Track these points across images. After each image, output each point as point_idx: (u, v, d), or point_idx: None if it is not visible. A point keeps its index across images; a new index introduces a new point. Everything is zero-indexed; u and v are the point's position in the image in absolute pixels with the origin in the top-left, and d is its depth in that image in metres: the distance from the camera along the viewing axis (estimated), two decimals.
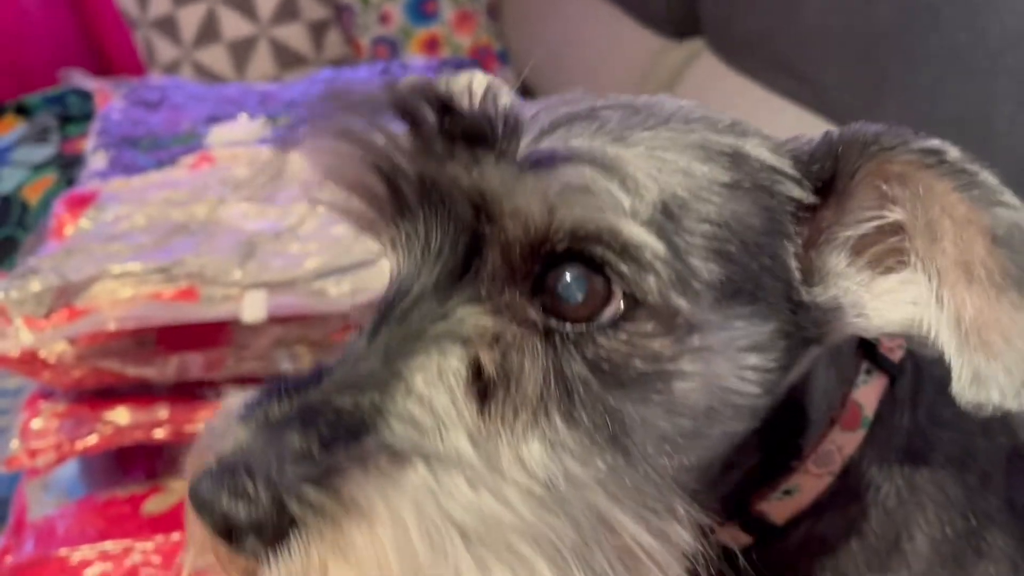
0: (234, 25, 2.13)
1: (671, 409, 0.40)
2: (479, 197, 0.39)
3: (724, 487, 0.49)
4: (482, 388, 0.40)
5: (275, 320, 0.97)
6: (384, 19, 2.22)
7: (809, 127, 1.33)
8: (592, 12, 1.88)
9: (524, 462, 0.38)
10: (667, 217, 0.39)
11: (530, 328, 0.40)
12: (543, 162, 0.39)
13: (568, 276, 0.39)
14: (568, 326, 0.40)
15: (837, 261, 0.44)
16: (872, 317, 0.44)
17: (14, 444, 1.01)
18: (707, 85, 1.54)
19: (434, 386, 0.39)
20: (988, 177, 0.40)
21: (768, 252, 0.42)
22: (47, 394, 1.06)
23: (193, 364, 1.02)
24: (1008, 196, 0.40)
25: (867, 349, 0.54)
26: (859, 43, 1.14)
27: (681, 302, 0.39)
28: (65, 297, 0.93)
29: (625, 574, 0.39)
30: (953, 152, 0.40)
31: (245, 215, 1.04)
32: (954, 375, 0.41)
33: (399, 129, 0.40)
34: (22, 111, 2.08)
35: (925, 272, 0.42)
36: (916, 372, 0.55)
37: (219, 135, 1.20)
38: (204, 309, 0.93)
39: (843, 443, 0.52)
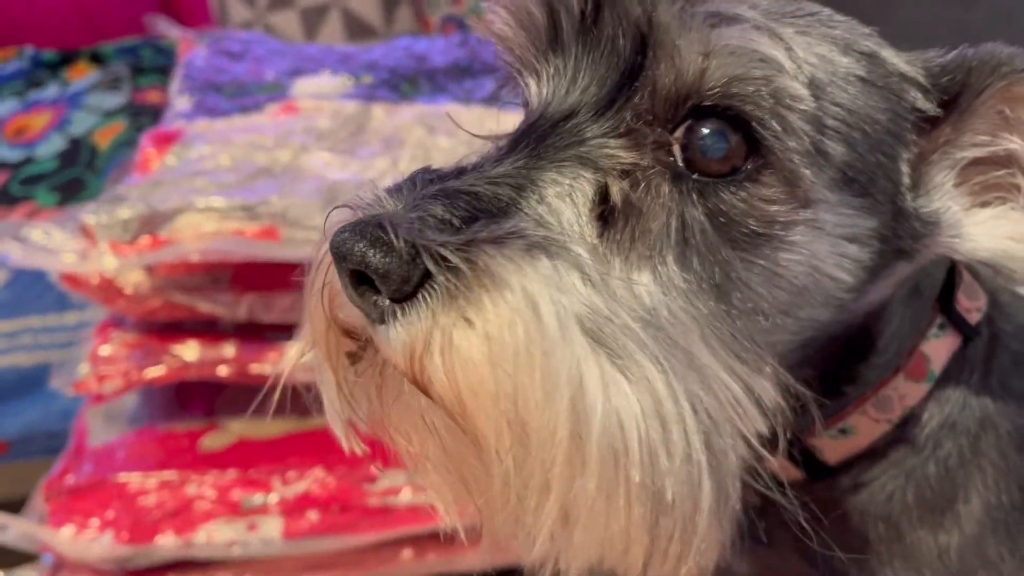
0: None
1: (773, 275, 0.42)
2: (647, 26, 0.41)
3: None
4: (606, 215, 0.42)
5: None
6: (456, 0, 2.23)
7: None
8: None
9: (633, 286, 0.40)
10: (814, 89, 0.41)
11: (662, 169, 0.42)
12: (712, 15, 0.41)
13: (712, 130, 0.41)
14: (696, 175, 0.42)
15: (945, 179, 0.46)
16: (966, 240, 0.46)
17: (83, 368, 1.03)
18: None
19: (563, 200, 0.41)
20: None
21: (886, 151, 0.44)
22: (118, 322, 1.07)
23: (263, 306, 1.04)
24: None
25: (944, 305, 0.53)
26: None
27: (807, 173, 0.41)
28: (150, 226, 0.95)
29: (716, 406, 0.40)
30: None
31: (327, 164, 1.06)
32: None
33: None
34: (96, 59, 2.11)
35: None
36: (993, 339, 0.56)
37: (304, 86, 1.21)
38: (285, 249, 0.94)
39: (905, 392, 0.52)
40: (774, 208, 0.42)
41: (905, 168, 0.45)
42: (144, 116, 1.84)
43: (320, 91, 1.19)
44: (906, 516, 0.54)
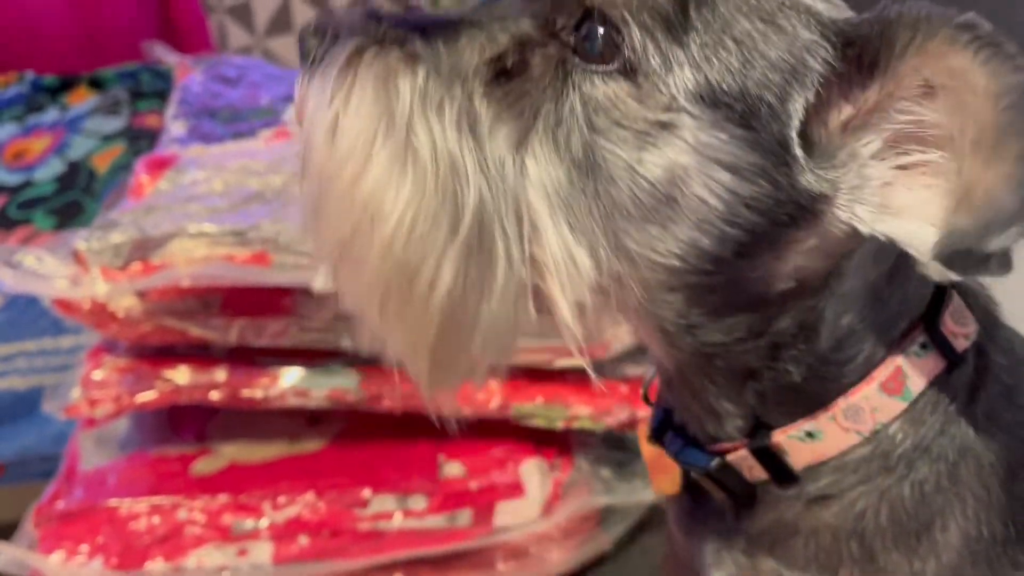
0: (307, 15, 2.17)
1: (632, 172, 0.45)
2: None
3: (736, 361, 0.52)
4: (500, 73, 0.47)
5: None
6: None
7: None
8: None
9: (498, 134, 0.46)
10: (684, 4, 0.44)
11: (553, 50, 0.48)
12: None
13: (593, 29, 0.46)
14: (578, 61, 0.46)
15: (865, 147, 0.44)
16: (872, 213, 0.44)
17: (75, 392, 1.04)
18: None
19: (470, 48, 0.48)
20: (1009, 47, 0.38)
21: (776, 90, 0.44)
22: (110, 347, 1.08)
23: (255, 330, 1.04)
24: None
25: (929, 325, 0.53)
26: None
27: (669, 77, 0.44)
28: (142, 251, 0.95)
29: (514, 232, 0.46)
30: (984, 25, 0.39)
31: None
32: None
33: None
34: (95, 84, 2.13)
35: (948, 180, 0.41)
36: (983, 370, 0.55)
37: None
38: (275, 274, 0.95)
39: (878, 405, 0.52)
40: (635, 105, 0.45)
41: (798, 113, 0.44)
42: (142, 140, 1.85)
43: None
44: (879, 537, 0.53)
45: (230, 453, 1.11)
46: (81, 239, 0.95)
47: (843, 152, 0.45)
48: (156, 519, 1.01)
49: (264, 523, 1.03)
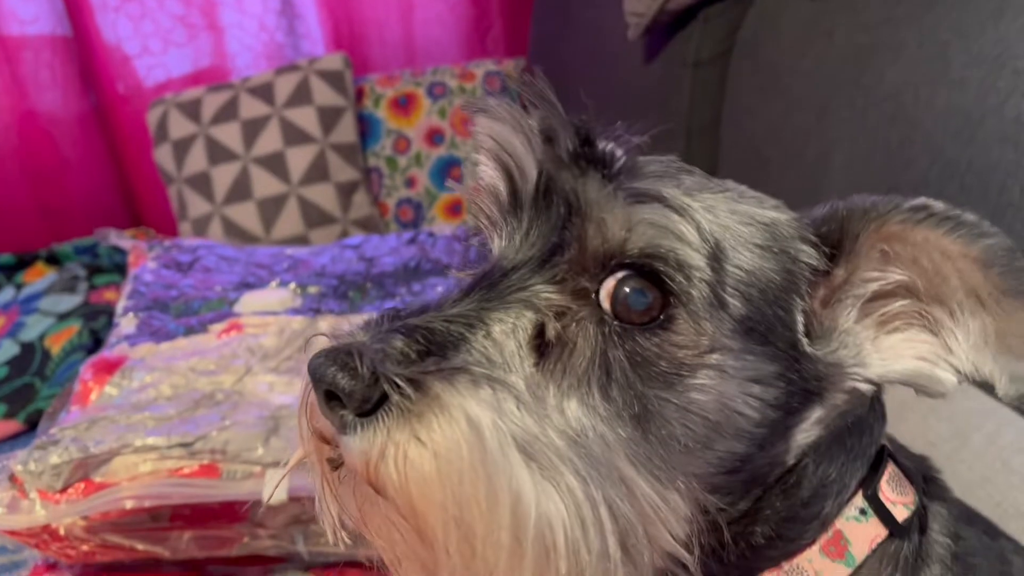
0: (265, 184, 2.20)
1: (684, 410, 0.48)
2: (575, 198, 0.50)
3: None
4: (543, 348, 0.49)
5: (296, 499, 0.95)
6: (411, 183, 2.29)
7: None
8: None
9: (563, 411, 0.47)
10: (714, 256, 0.49)
11: (587, 314, 0.49)
12: (633, 194, 0.49)
13: (629, 286, 0.48)
14: (617, 321, 0.49)
15: (848, 317, 0.52)
16: (872, 367, 0.51)
17: None
18: None
19: (506, 336, 0.49)
20: (969, 216, 0.47)
21: (782, 305, 0.50)
22: (51, 565, 1.02)
23: (207, 541, 0.99)
24: (987, 226, 0.47)
25: (867, 490, 0.55)
26: None
27: (708, 324, 0.48)
28: (83, 470, 0.91)
29: (632, 513, 0.47)
30: (937, 205, 0.47)
31: (271, 387, 1.04)
32: (995, 383, 0.48)
33: (546, 139, 0.51)
34: (53, 260, 2.12)
35: (933, 326, 0.50)
36: (926, 545, 0.56)
37: (249, 303, 1.21)
38: (225, 487, 0.91)
39: (821, 568, 0.54)
40: (682, 352, 0.48)
41: (800, 317, 0.51)
42: (99, 317, 1.83)
43: (266, 306, 1.19)
44: None
45: None
46: (18, 462, 0.91)
47: (834, 326, 0.51)
48: None
49: None
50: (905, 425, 1.04)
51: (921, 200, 0.48)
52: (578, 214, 0.49)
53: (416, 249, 1.43)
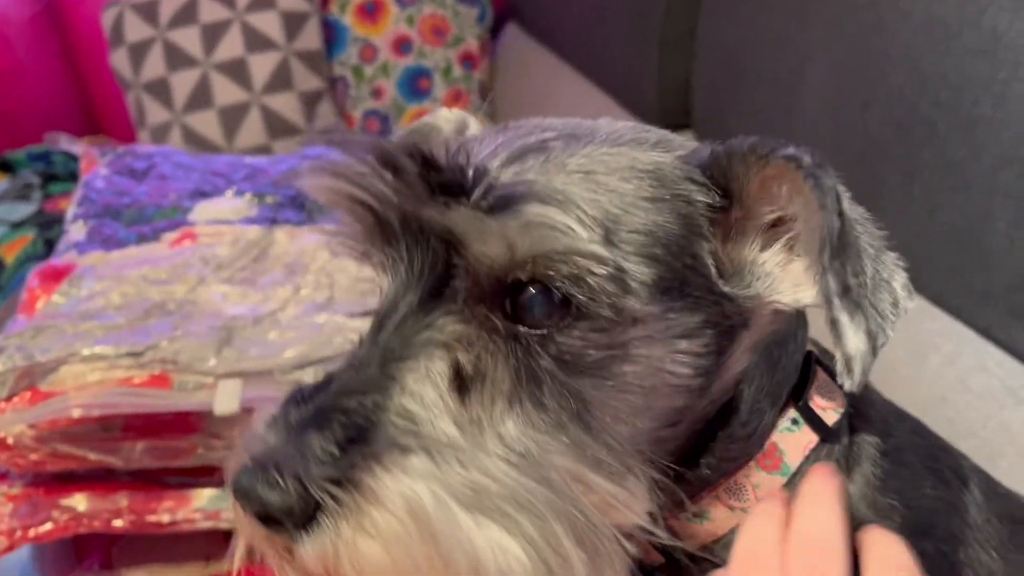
0: (227, 91, 2.12)
1: (622, 388, 0.48)
2: (450, 235, 0.47)
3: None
4: (463, 383, 0.47)
5: (248, 409, 0.93)
6: (377, 94, 2.22)
7: None
8: (584, 98, 1.89)
9: (502, 438, 0.46)
10: (605, 232, 0.47)
11: (499, 334, 0.48)
12: (501, 204, 0.46)
13: (532, 296, 0.47)
14: (533, 331, 0.47)
15: (751, 250, 0.51)
16: (785, 293, 0.51)
17: None
18: None
19: (423, 384, 0.47)
20: (826, 180, 0.46)
21: (688, 252, 0.49)
22: (1, 474, 1.00)
23: (160, 451, 0.98)
24: (835, 195, 0.46)
25: (798, 400, 0.56)
26: (853, 152, 1.14)
27: (623, 302, 0.47)
28: (29, 378, 0.89)
29: (602, 518, 0.47)
30: (806, 159, 0.47)
31: (225, 297, 1.01)
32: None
33: (387, 175, 0.47)
34: (5, 167, 2.05)
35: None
36: (856, 447, 0.57)
37: (204, 211, 1.17)
38: (176, 398, 0.89)
39: (759, 482, 0.55)
40: (606, 337, 0.47)
41: (709, 259, 0.50)
42: (53, 227, 1.77)
43: (221, 215, 1.15)
44: None
45: None
46: None
47: (741, 259, 0.51)
48: None
49: None
50: None
51: (792, 150, 0.48)
52: (454, 245, 0.47)
53: None
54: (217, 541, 1.08)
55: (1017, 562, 0.61)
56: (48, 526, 0.96)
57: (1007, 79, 0.92)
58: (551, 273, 0.46)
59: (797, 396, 0.56)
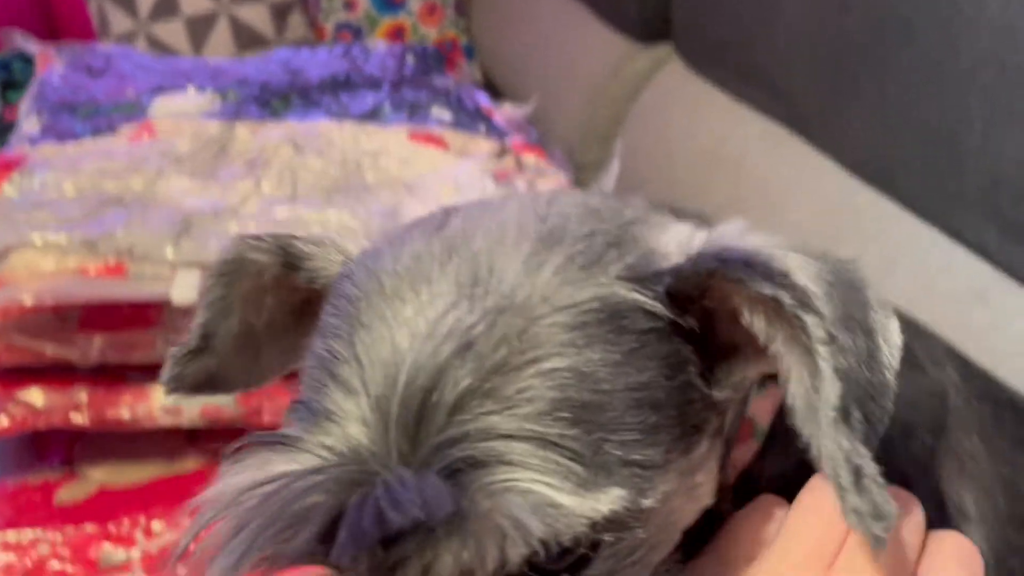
0: (195, 1, 2.05)
1: (648, 565, 0.43)
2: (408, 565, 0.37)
3: None
4: None
5: None
6: (350, 6, 2.15)
7: (776, 138, 1.31)
8: (561, 12, 1.84)
9: None
10: (592, 452, 0.38)
11: None
12: (455, 528, 0.36)
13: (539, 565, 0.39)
14: None
15: (733, 362, 0.45)
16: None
17: None
18: (673, 91, 1.51)
19: None
20: (811, 318, 0.40)
21: (682, 391, 0.42)
22: None
23: (119, 345, 0.96)
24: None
25: None
26: (830, 54, 1.12)
27: (632, 508, 0.39)
28: None
29: None
30: (787, 299, 0.40)
31: (185, 191, 0.98)
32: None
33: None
34: None
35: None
36: None
37: (164, 106, 1.13)
38: (131, 287, 0.87)
39: (736, 456, 0.51)
40: (627, 545, 0.41)
41: (699, 381, 0.43)
42: (11, 135, 1.72)
43: (181, 110, 1.12)
44: None
45: (99, 477, 1.03)
46: None
47: (735, 363, 0.45)
48: (12, 556, 0.93)
49: (136, 554, 0.96)
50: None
51: (768, 286, 0.40)
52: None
53: (347, 62, 1.35)
54: (179, 440, 1.07)
55: (1000, 450, 0.59)
56: (3, 420, 0.95)
57: None
58: (533, 554, 0.37)
59: None
